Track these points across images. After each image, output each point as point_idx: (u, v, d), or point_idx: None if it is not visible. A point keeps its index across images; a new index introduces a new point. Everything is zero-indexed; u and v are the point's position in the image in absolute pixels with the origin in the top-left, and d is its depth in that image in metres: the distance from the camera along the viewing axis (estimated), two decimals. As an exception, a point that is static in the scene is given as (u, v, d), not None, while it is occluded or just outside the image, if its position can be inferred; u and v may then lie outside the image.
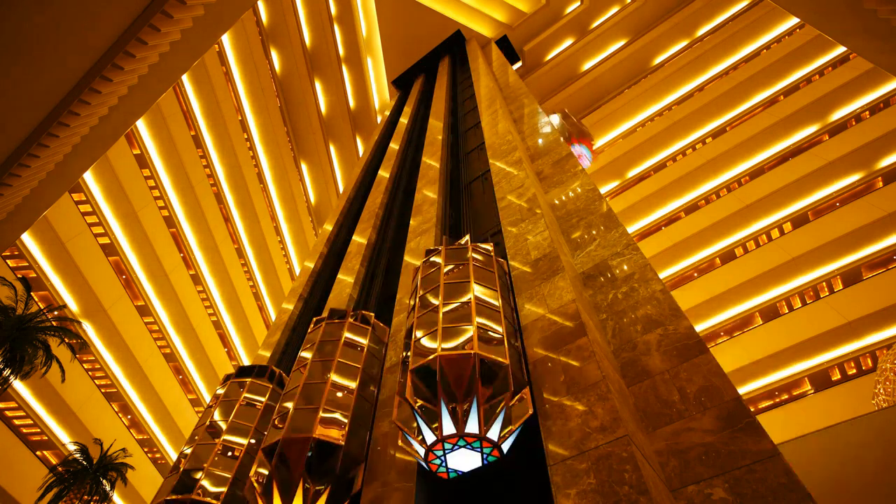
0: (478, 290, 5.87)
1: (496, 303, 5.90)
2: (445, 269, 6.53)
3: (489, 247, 7.09)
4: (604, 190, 31.54)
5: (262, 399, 7.81)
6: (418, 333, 5.62)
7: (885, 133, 22.06)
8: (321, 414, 6.07)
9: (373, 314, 8.25)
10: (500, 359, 5.00)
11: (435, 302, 5.98)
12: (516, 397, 4.93)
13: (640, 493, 3.64)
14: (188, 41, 12.20)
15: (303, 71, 34.13)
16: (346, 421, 6.14)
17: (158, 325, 31.52)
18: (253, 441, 7.15)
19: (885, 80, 23.28)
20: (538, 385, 5.23)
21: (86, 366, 27.92)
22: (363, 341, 7.62)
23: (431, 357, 5.10)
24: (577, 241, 8.06)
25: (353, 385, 6.76)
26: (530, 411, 4.93)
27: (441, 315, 5.59)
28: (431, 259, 7.13)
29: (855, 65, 24.22)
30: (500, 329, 5.41)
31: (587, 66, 34.69)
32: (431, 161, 14.85)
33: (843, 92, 24.34)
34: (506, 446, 4.82)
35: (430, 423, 4.86)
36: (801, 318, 20.72)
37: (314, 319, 8.29)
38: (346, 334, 7.52)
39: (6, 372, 18.54)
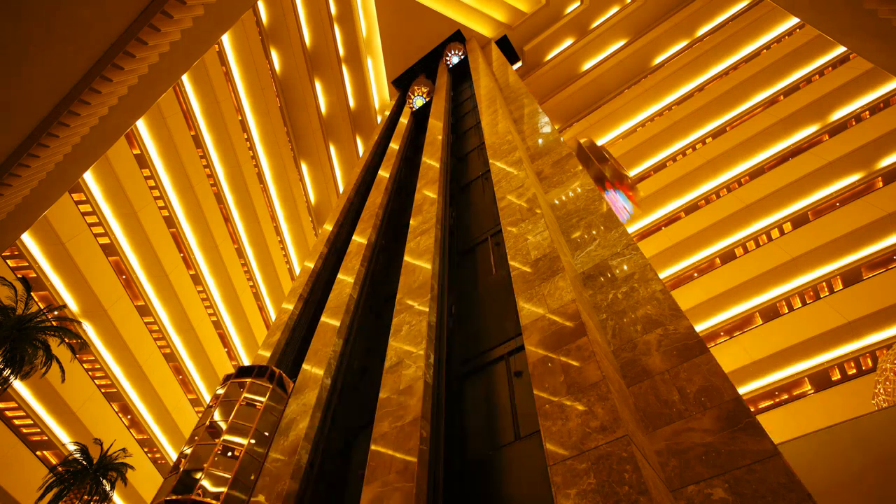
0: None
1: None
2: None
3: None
4: (604, 190, 31.51)
5: (263, 399, 7.91)
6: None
7: (885, 133, 22.05)
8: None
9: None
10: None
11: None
12: None
13: (640, 493, 3.64)
14: (188, 41, 12.18)
15: (303, 71, 34.11)
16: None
17: (158, 325, 31.51)
18: (253, 441, 7.25)
19: (885, 80, 23.27)
20: (538, 385, 5.23)
21: (86, 366, 27.92)
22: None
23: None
24: (577, 241, 8.06)
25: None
26: None
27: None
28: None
29: (855, 65, 24.21)
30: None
31: (587, 66, 34.68)
32: (431, 161, 14.85)
33: (843, 92, 24.33)
34: None
35: None
36: (801, 318, 20.71)
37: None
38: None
39: (6, 372, 18.53)
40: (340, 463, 8.10)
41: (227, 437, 7.19)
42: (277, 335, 12.42)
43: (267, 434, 6.79)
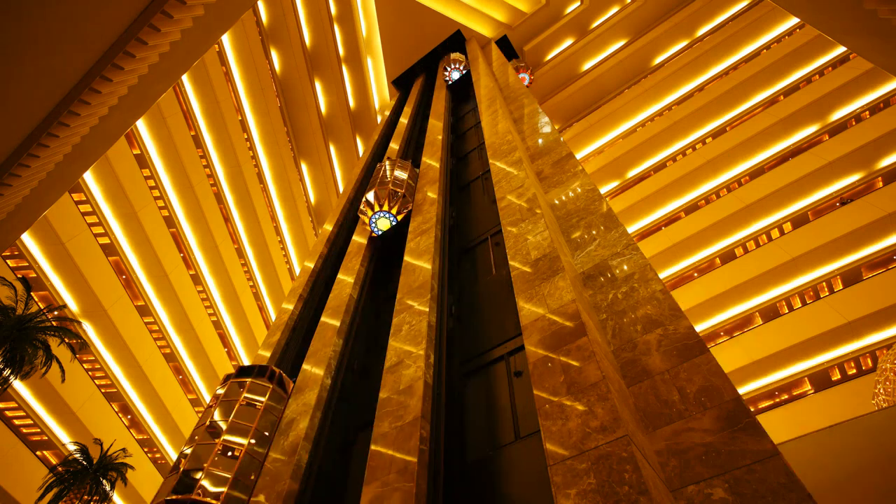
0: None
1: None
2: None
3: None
4: (604, 190, 31.54)
5: (263, 399, 7.91)
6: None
7: (885, 133, 22.06)
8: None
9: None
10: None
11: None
12: None
13: (640, 493, 3.64)
14: (188, 41, 12.18)
15: (303, 71, 34.11)
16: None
17: (158, 325, 31.52)
18: (253, 441, 7.23)
19: (885, 80, 23.27)
20: (538, 385, 5.23)
21: (86, 366, 27.92)
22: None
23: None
24: (577, 241, 8.06)
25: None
26: None
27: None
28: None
29: (855, 65, 24.22)
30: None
31: (587, 66, 34.68)
32: (431, 161, 14.85)
33: (843, 92, 24.33)
34: None
35: None
36: (801, 318, 20.71)
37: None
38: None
39: (6, 372, 18.55)
40: (340, 463, 8.11)
41: (227, 436, 7.20)
42: (277, 335, 12.42)
43: (267, 434, 6.81)
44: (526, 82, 22.39)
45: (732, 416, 4.29)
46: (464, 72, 25.36)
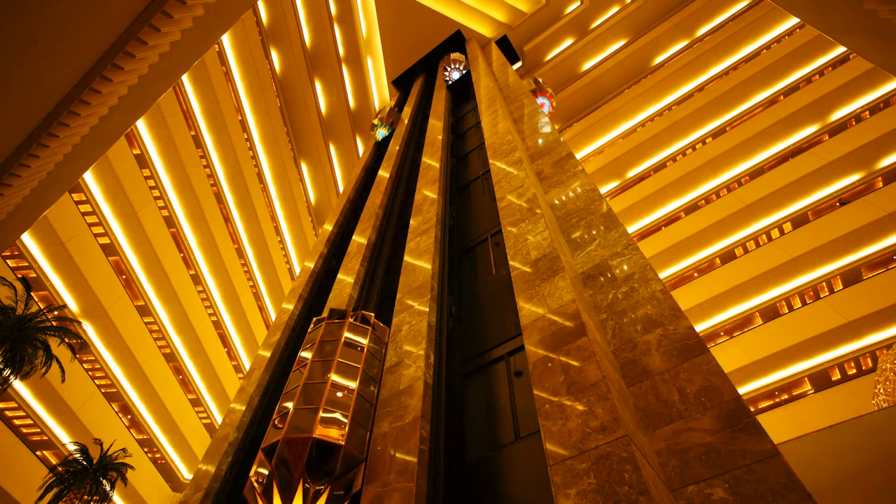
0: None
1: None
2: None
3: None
4: (604, 190, 31.54)
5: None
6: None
7: (885, 133, 22.05)
8: (321, 414, 6.09)
9: (373, 314, 8.24)
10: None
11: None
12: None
13: (640, 493, 3.64)
14: (188, 41, 12.17)
15: (303, 71, 34.12)
16: (346, 421, 6.16)
17: (158, 325, 31.52)
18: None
19: (885, 80, 23.27)
20: (538, 385, 5.23)
21: (86, 366, 27.92)
22: (363, 341, 7.61)
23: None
24: (577, 241, 8.06)
25: (353, 385, 6.74)
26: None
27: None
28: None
29: (855, 65, 24.21)
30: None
31: (587, 66, 34.68)
32: (431, 161, 14.85)
33: (843, 92, 24.33)
34: None
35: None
36: (801, 318, 20.71)
37: (314, 319, 8.29)
38: (346, 334, 7.51)
39: (6, 372, 18.55)
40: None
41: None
42: (277, 335, 12.42)
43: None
44: (546, 108, 21.77)
45: (732, 416, 4.29)
46: (464, 72, 25.40)
